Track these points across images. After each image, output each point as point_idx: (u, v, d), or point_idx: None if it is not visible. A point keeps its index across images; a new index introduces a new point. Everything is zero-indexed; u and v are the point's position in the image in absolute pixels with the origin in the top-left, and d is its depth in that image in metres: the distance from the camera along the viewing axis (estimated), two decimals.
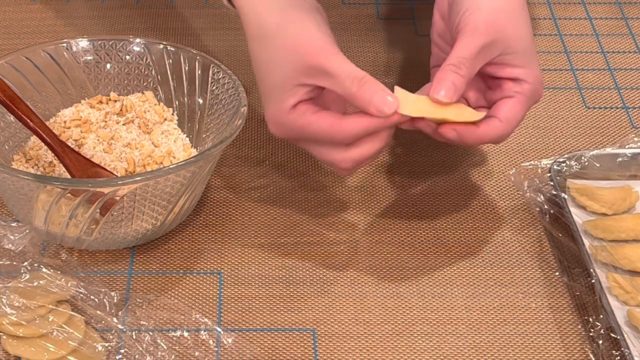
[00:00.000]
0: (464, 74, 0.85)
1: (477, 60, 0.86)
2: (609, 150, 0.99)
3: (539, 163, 0.99)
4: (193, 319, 0.86)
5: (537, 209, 0.95)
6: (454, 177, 1.01)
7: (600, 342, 0.84)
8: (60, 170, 0.94)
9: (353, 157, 0.86)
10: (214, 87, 0.97)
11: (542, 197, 0.95)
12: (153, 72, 1.00)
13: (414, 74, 1.12)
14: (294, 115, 0.86)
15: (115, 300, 0.85)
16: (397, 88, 0.85)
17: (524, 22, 0.88)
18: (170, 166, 0.86)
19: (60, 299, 0.85)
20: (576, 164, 0.97)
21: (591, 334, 0.85)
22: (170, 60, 0.99)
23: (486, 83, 0.91)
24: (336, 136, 0.85)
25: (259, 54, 0.87)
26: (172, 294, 0.89)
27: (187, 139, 0.99)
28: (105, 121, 0.98)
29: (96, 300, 0.85)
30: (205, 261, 0.92)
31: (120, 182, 0.85)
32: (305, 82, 0.85)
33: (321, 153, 0.88)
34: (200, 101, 0.98)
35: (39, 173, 0.94)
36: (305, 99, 0.86)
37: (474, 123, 0.86)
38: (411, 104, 0.84)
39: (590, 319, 0.86)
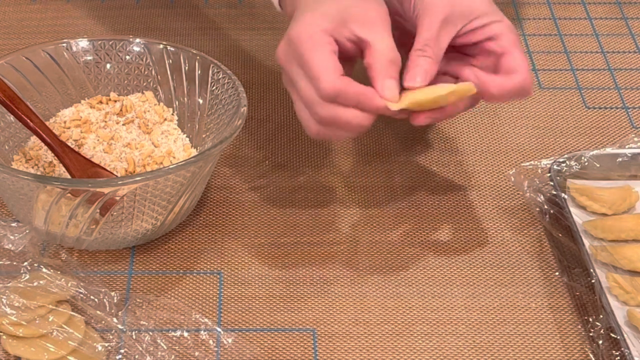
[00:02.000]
0: (431, 54, 0.86)
1: (442, 37, 0.87)
2: (609, 150, 0.99)
3: (539, 163, 0.99)
4: (193, 319, 0.86)
5: (537, 209, 0.95)
6: (453, 177, 1.01)
7: (600, 342, 0.84)
8: (60, 170, 0.94)
9: (327, 112, 0.85)
10: (214, 87, 0.97)
11: (542, 197, 0.95)
12: (153, 72, 1.00)
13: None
14: (320, 37, 0.85)
15: (115, 300, 0.85)
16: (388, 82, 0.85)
17: None
18: (170, 166, 0.86)
19: (60, 299, 0.85)
20: (576, 164, 0.97)
21: (591, 334, 0.85)
22: (170, 60, 0.99)
23: (466, 53, 0.91)
24: (320, 83, 0.84)
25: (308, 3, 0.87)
26: (172, 294, 0.89)
27: (187, 139, 0.99)
28: (105, 121, 0.98)
29: (96, 300, 0.85)
30: (205, 261, 0.92)
31: (120, 182, 0.85)
32: (352, 29, 0.85)
33: (307, 90, 0.85)
34: (200, 101, 0.98)
35: (39, 173, 0.94)
36: (341, 39, 0.86)
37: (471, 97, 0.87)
38: (408, 97, 0.85)
39: (590, 319, 0.86)
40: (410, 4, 0.89)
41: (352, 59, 0.89)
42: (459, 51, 0.91)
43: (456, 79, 0.90)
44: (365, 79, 0.85)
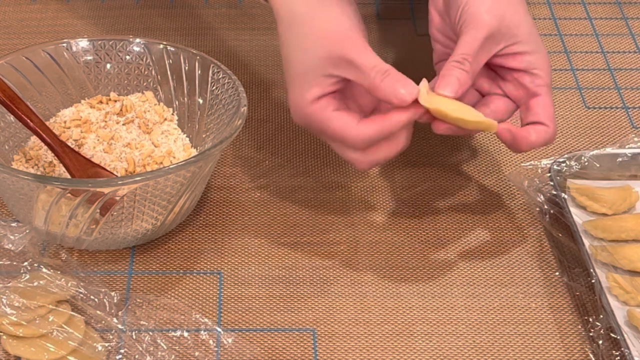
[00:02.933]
0: (468, 69, 0.85)
1: (481, 54, 0.87)
2: (609, 150, 0.99)
3: (539, 163, 0.99)
4: (193, 319, 0.86)
5: (537, 209, 0.95)
6: (453, 177, 1.01)
7: (600, 342, 0.84)
8: (60, 170, 0.94)
9: (369, 160, 0.87)
10: (214, 87, 0.97)
11: (542, 197, 0.95)
12: (153, 72, 1.00)
13: (414, 74, 1.11)
14: (316, 107, 0.86)
15: (115, 300, 0.85)
16: (423, 81, 0.85)
17: (524, 9, 0.89)
18: (170, 166, 0.86)
19: (60, 299, 0.85)
20: (576, 164, 0.97)
21: (591, 334, 0.85)
22: (170, 60, 0.99)
23: (498, 73, 0.91)
24: (348, 141, 0.85)
25: (288, 39, 0.87)
26: (172, 294, 0.89)
27: (187, 139, 0.99)
28: (105, 121, 0.98)
29: (96, 300, 0.85)
30: (205, 261, 0.92)
31: (120, 182, 0.85)
32: (331, 73, 0.85)
33: (339, 150, 0.88)
34: (200, 101, 0.98)
35: (39, 173, 0.94)
36: (330, 91, 0.86)
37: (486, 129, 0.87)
38: (430, 98, 0.84)
39: (590, 319, 0.86)
40: (457, 11, 0.88)
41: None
42: (491, 68, 0.91)
43: (482, 96, 0.91)
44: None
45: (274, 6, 0.89)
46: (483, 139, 1.05)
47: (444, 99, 0.85)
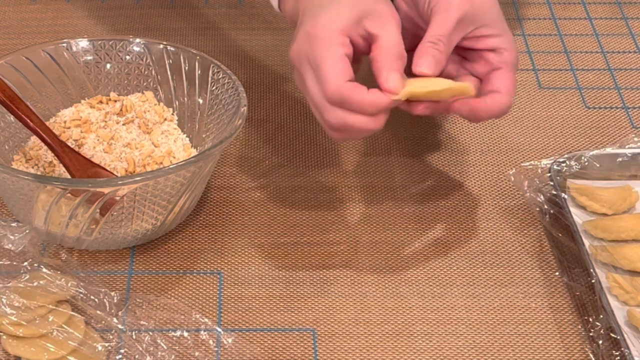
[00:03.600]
0: (442, 49, 0.87)
1: (454, 36, 0.88)
2: (609, 150, 0.99)
3: (539, 163, 0.99)
4: (193, 319, 0.86)
5: (537, 209, 0.95)
6: (453, 177, 1.01)
7: (600, 342, 0.84)
8: (60, 170, 0.94)
9: (342, 117, 0.85)
10: (214, 87, 0.97)
11: (542, 197, 0.95)
12: (153, 72, 1.00)
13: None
14: (337, 37, 0.85)
15: (115, 300, 0.85)
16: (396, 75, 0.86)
17: None
18: (170, 166, 0.86)
19: (60, 299, 0.85)
20: (576, 164, 0.97)
21: (591, 334, 0.85)
22: (170, 60, 0.99)
23: (463, 55, 0.92)
24: (327, 86, 0.84)
25: None
26: (172, 294, 0.89)
27: (187, 139, 0.99)
28: (105, 121, 0.98)
29: (96, 300, 0.85)
30: (205, 261, 0.92)
31: (120, 182, 0.85)
32: (364, 26, 0.86)
33: (316, 93, 0.86)
34: (200, 101, 0.98)
35: (39, 173, 0.94)
36: (354, 34, 0.86)
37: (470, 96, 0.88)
38: (406, 88, 0.85)
39: (590, 319, 0.86)
40: None
41: (360, 57, 0.89)
42: (457, 53, 0.91)
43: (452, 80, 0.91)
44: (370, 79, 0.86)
45: None
46: (483, 139, 1.05)
47: (412, 81, 0.86)
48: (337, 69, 0.84)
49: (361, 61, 0.90)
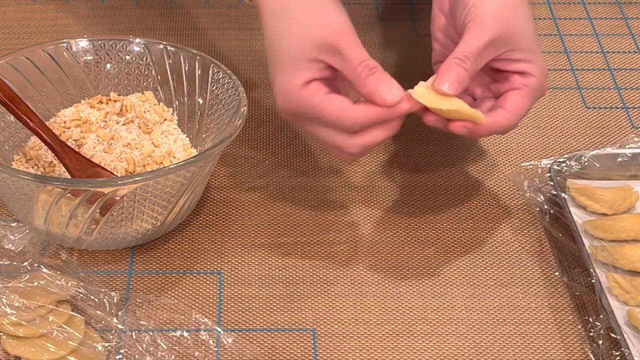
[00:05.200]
0: (468, 68, 0.85)
1: (483, 56, 0.87)
2: (609, 150, 0.99)
3: (539, 163, 0.99)
4: (193, 319, 0.86)
5: (537, 209, 0.95)
6: (453, 177, 1.01)
7: (600, 342, 0.84)
8: (60, 170, 0.94)
9: (361, 143, 0.86)
10: (214, 87, 0.97)
11: (542, 197, 0.95)
12: (153, 72, 1.00)
13: (414, 74, 1.11)
14: (306, 92, 0.85)
15: (115, 300, 0.85)
16: (420, 82, 0.86)
17: (528, 16, 0.89)
18: (170, 166, 0.86)
19: (60, 299, 0.85)
20: (576, 164, 0.97)
21: (591, 334, 0.85)
22: (170, 60, 0.99)
23: (492, 76, 0.92)
24: (346, 122, 0.84)
25: (274, 27, 0.87)
26: (172, 294, 0.89)
27: (187, 139, 0.99)
28: (105, 121, 0.98)
29: (96, 300, 0.85)
30: (205, 261, 0.92)
31: (120, 182, 0.85)
32: (320, 58, 0.85)
33: (328, 136, 0.87)
34: (200, 101, 0.98)
35: (39, 173, 0.94)
36: (318, 77, 0.86)
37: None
38: (425, 95, 0.85)
39: (590, 319, 0.86)
40: (463, 12, 0.88)
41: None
42: (486, 72, 0.91)
43: (474, 100, 0.92)
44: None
45: None
46: (483, 139, 1.05)
47: (432, 93, 0.85)
48: (338, 107, 0.84)
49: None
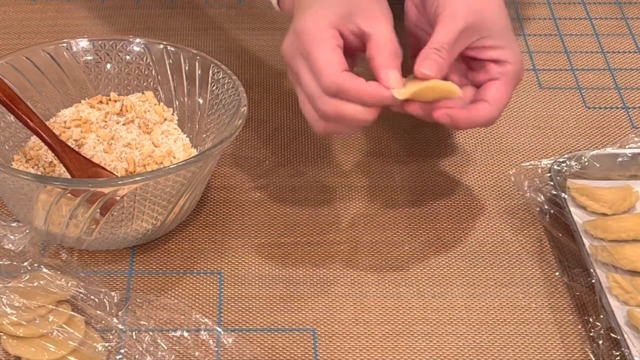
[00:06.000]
0: (445, 57, 0.86)
1: (457, 44, 0.88)
2: (609, 150, 0.99)
3: (539, 163, 0.99)
4: (193, 319, 0.86)
5: (537, 209, 0.95)
6: (453, 177, 1.01)
7: (600, 342, 0.84)
8: (60, 170, 0.94)
9: (332, 108, 0.85)
10: (214, 87, 0.97)
11: (542, 197, 0.95)
12: (153, 72, 1.00)
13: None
14: (325, 32, 0.85)
15: (115, 300, 0.85)
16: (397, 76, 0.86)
17: (499, 3, 0.90)
18: (170, 166, 0.86)
19: (60, 299, 0.85)
20: (576, 164, 0.97)
21: (591, 334, 0.85)
22: (170, 60, 0.99)
23: (467, 64, 0.92)
24: (323, 79, 0.84)
25: None
26: (172, 294, 0.89)
27: (187, 139, 0.99)
28: (105, 121, 0.98)
29: (96, 300, 0.85)
30: (205, 261, 0.92)
31: (120, 182, 0.85)
32: (356, 22, 0.86)
33: (311, 84, 0.86)
34: (200, 101, 0.98)
35: (39, 173, 0.94)
36: (343, 29, 0.86)
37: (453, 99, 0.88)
38: (403, 90, 0.85)
39: (590, 319, 0.86)
40: (433, 2, 0.89)
41: (356, 53, 0.89)
42: (462, 61, 0.92)
43: None
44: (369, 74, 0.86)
45: None
46: (483, 139, 1.05)
47: (408, 82, 0.86)
48: (331, 61, 0.85)
49: (357, 58, 0.90)
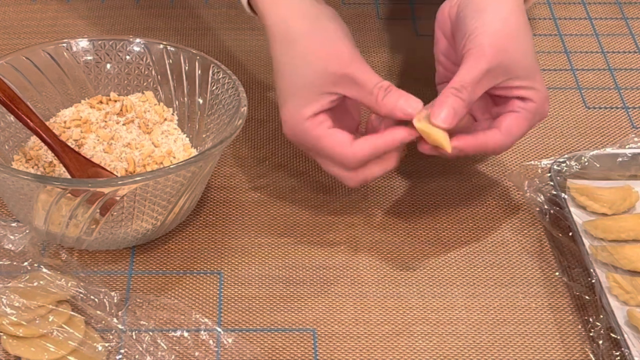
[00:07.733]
0: (465, 98, 0.85)
1: (480, 85, 0.87)
2: (609, 150, 0.99)
3: (539, 163, 0.99)
4: (193, 319, 0.86)
5: (537, 209, 0.95)
6: (453, 177, 1.01)
7: (600, 342, 0.84)
8: (60, 170, 0.94)
9: (360, 178, 0.89)
10: (214, 87, 0.97)
11: (542, 197, 0.95)
12: (153, 72, 1.00)
13: (414, 74, 1.12)
14: (311, 123, 0.87)
15: (115, 300, 0.85)
16: (420, 106, 0.87)
17: (528, 43, 0.89)
18: (170, 166, 0.86)
19: (60, 299, 0.85)
20: (576, 164, 0.97)
21: (591, 334, 0.85)
22: (170, 60, 0.99)
23: (492, 100, 0.92)
24: (344, 160, 0.87)
25: (284, 56, 0.88)
26: (172, 294, 0.89)
27: (187, 139, 0.99)
28: (105, 121, 0.98)
29: (96, 300, 0.85)
30: (205, 261, 0.92)
31: (120, 182, 0.85)
32: (332, 91, 0.87)
33: (328, 168, 0.90)
34: (200, 101, 0.98)
35: (39, 173, 0.94)
36: (327, 107, 0.87)
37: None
38: (422, 121, 0.86)
39: (590, 319, 0.86)
40: (463, 38, 0.88)
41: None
42: (487, 93, 0.91)
43: (475, 120, 0.93)
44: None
45: (267, 23, 0.90)
46: None
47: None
48: (342, 144, 0.86)
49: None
